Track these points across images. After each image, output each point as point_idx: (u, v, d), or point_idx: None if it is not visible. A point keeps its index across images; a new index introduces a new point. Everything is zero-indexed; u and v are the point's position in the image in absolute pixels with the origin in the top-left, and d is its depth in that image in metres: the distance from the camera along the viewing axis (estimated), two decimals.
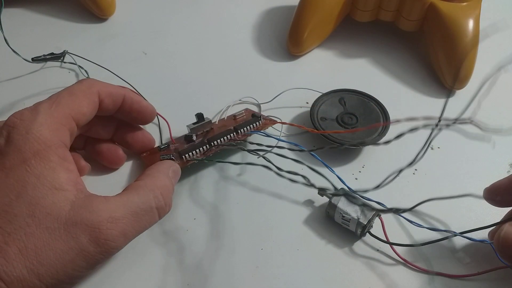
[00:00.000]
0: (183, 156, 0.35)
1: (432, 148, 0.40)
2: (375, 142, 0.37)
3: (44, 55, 0.44)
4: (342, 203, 0.32)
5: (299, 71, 0.47)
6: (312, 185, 0.31)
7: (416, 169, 0.38)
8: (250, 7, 0.55)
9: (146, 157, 0.37)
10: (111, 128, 0.36)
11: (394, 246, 0.32)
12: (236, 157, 0.38)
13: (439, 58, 0.45)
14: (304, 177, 0.31)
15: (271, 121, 0.38)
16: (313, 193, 0.35)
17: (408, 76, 0.47)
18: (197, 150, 0.35)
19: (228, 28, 0.52)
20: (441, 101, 0.44)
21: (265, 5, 0.55)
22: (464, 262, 0.32)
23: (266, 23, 0.53)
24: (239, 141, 0.36)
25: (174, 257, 0.32)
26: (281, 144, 0.34)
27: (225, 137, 0.36)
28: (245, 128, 0.37)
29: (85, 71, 0.44)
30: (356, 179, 0.37)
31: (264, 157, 0.33)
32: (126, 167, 0.37)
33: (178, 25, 0.52)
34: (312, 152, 0.34)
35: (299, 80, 0.45)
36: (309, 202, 0.36)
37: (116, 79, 0.43)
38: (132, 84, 0.42)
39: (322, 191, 0.34)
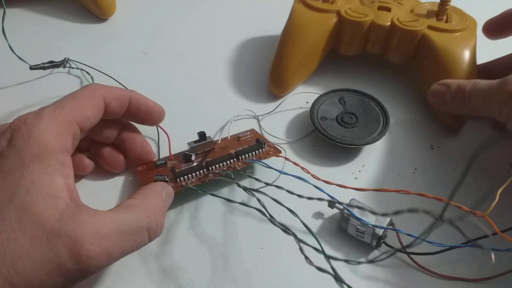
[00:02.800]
0: (178, 179, 0.34)
1: (432, 148, 0.40)
2: (375, 141, 0.38)
3: (43, 63, 0.43)
4: (356, 213, 0.32)
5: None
6: (320, 199, 0.30)
7: (416, 169, 0.38)
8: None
9: (142, 172, 0.35)
10: (114, 133, 0.35)
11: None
12: (233, 188, 0.36)
13: None
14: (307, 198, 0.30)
15: (275, 151, 0.36)
16: (322, 205, 0.34)
17: (400, 114, 0.43)
18: (194, 174, 0.34)
19: (231, 27, 0.53)
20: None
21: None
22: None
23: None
24: (238, 170, 0.34)
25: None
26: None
27: (224, 163, 0.35)
28: (246, 155, 0.35)
29: (91, 77, 0.44)
30: (356, 178, 0.37)
31: (258, 200, 0.30)
32: (121, 180, 0.36)
33: (178, 25, 0.53)
34: (317, 186, 0.32)
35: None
36: (319, 215, 0.35)
37: (118, 85, 0.42)
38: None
39: (332, 203, 0.33)
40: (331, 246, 0.33)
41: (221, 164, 0.35)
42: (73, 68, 0.45)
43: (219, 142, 0.37)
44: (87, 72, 0.44)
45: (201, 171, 0.34)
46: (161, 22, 0.53)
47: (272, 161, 0.35)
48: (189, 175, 0.34)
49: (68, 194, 0.26)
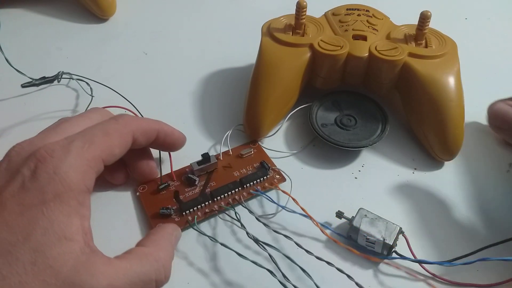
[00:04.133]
0: (184, 213, 0.33)
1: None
2: (381, 139, 0.38)
3: (34, 79, 0.42)
4: (365, 225, 0.32)
5: None
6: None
7: (415, 168, 0.39)
8: None
9: (144, 195, 0.35)
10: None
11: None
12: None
13: (424, 129, 0.39)
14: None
15: (279, 179, 0.37)
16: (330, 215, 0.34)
17: (399, 114, 0.43)
18: (199, 207, 0.34)
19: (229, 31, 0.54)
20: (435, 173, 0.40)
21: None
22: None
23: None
24: (243, 203, 0.35)
25: None
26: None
27: (229, 192, 0.35)
28: (251, 183, 0.36)
29: (90, 88, 0.43)
30: (355, 178, 0.38)
31: (270, 256, 0.31)
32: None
33: (178, 25, 0.54)
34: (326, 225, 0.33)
35: None
36: (327, 224, 0.34)
37: (118, 97, 0.42)
38: (133, 103, 0.41)
39: (340, 214, 0.33)
40: (341, 256, 0.33)
41: (226, 194, 0.35)
42: (72, 77, 0.44)
43: (221, 159, 0.38)
44: (87, 83, 0.44)
45: (207, 202, 0.34)
46: (162, 22, 0.55)
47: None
48: (195, 208, 0.34)
49: (82, 237, 0.25)
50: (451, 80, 0.38)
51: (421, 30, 0.40)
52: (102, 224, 0.33)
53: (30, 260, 0.23)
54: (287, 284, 0.29)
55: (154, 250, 0.28)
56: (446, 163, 0.39)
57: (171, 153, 0.37)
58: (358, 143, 0.38)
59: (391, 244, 0.31)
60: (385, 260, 0.32)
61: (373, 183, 0.37)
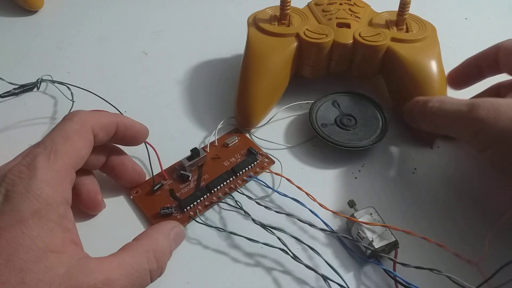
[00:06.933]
0: (185, 209, 0.34)
1: (431, 148, 0.40)
2: (382, 138, 0.38)
3: (14, 88, 0.42)
4: (364, 220, 0.32)
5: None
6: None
7: (415, 168, 0.39)
8: None
9: (138, 198, 0.35)
10: (102, 158, 0.34)
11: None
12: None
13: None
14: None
15: (268, 162, 0.38)
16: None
17: (398, 114, 0.41)
18: (199, 201, 0.35)
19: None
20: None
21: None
22: None
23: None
24: (239, 190, 0.36)
25: None
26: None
27: (225, 182, 0.36)
28: (243, 170, 0.36)
29: (71, 93, 0.43)
30: (355, 178, 0.38)
31: (279, 239, 0.32)
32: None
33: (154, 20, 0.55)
34: (312, 210, 0.33)
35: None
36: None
37: (97, 99, 0.42)
38: (114, 105, 0.41)
39: (352, 203, 0.34)
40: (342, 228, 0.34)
41: (222, 185, 0.35)
42: (53, 82, 0.44)
43: (208, 151, 0.38)
44: (68, 88, 0.43)
45: (205, 195, 0.35)
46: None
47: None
48: (194, 203, 0.34)
49: (70, 247, 0.25)
50: (433, 62, 0.40)
51: (401, 16, 0.41)
52: (103, 231, 0.34)
53: (18, 280, 0.23)
54: (298, 263, 0.30)
55: (145, 242, 0.28)
56: (446, 163, 0.39)
57: (158, 154, 0.36)
58: (358, 143, 0.38)
59: (375, 248, 0.31)
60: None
61: (373, 183, 0.37)
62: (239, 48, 0.43)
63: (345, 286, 0.29)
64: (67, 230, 0.26)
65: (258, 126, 0.41)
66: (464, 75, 0.41)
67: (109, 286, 0.25)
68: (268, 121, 0.42)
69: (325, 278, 0.29)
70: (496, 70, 0.38)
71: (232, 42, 0.49)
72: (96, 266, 0.25)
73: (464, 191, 0.37)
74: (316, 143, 0.40)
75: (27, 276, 0.23)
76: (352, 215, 0.32)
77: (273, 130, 0.41)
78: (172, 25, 0.55)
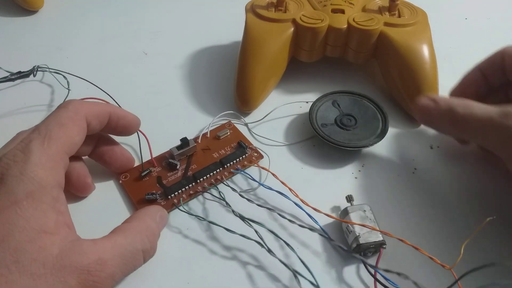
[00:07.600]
0: (169, 196, 0.34)
1: (431, 148, 0.40)
2: (382, 138, 0.38)
3: (10, 74, 0.43)
4: (355, 216, 0.32)
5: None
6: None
7: (415, 168, 0.38)
8: None
9: (126, 183, 0.36)
10: (91, 145, 0.35)
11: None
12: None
13: (403, 92, 0.41)
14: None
15: (257, 157, 0.38)
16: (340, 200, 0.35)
17: (398, 114, 0.43)
18: (183, 189, 0.35)
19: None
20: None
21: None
22: None
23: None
24: (226, 184, 0.36)
25: None
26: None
27: (211, 173, 0.36)
28: (231, 163, 0.37)
29: (67, 82, 0.44)
30: (355, 178, 0.37)
31: (256, 232, 0.32)
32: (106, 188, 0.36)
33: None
34: (296, 202, 0.33)
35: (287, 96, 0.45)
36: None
37: (94, 88, 0.43)
38: (110, 94, 0.42)
39: (349, 197, 0.34)
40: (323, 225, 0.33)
41: (208, 175, 0.36)
42: (50, 70, 0.44)
43: (199, 142, 0.39)
44: (64, 77, 0.44)
45: (190, 185, 0.35)
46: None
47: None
48: (179, 191, 0.35)
49: (63, 229, 0.26)
50: (424, 45, 0.41)
51: (393, 1, 0.43)
52: (91, 214, 0.34)
53: (12, 259, 0.23)
54: (273, 257, 0.30)
55: (136, 224, 0.29)
56: (446, 162, 0.39)
57: (149, 142, 0.37)
58: (358, 143, 0.38)
59: (360, 243, 0.31)
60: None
61: (373, 183, 0.37)
62: (238, 46, 0.43)
63: (315, 283, 0.29)
64: (60, 213, 0.26)
65: (256, 121, 0.42)
66: (470, 92, 0.37)
67: (102, 265, 0.25)
68: (266, 115, 0.42)
69: (296, 274, 0.29)
70: (503, 79, 0.36)
71: (231, 42, 0.50)
72: (89, 247, 0.26)
73: (464, 191, 0.36)
74: (316, 143, 0.40)
75: (22, 256, 0.24)
76: (346, 209, 0.33)
77: (272, 129, 0.41)
78: (172, 25, 0.55)
